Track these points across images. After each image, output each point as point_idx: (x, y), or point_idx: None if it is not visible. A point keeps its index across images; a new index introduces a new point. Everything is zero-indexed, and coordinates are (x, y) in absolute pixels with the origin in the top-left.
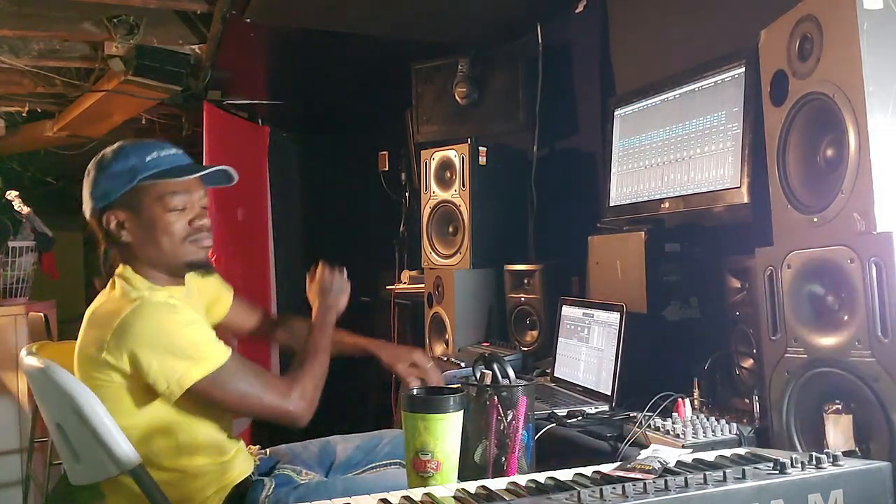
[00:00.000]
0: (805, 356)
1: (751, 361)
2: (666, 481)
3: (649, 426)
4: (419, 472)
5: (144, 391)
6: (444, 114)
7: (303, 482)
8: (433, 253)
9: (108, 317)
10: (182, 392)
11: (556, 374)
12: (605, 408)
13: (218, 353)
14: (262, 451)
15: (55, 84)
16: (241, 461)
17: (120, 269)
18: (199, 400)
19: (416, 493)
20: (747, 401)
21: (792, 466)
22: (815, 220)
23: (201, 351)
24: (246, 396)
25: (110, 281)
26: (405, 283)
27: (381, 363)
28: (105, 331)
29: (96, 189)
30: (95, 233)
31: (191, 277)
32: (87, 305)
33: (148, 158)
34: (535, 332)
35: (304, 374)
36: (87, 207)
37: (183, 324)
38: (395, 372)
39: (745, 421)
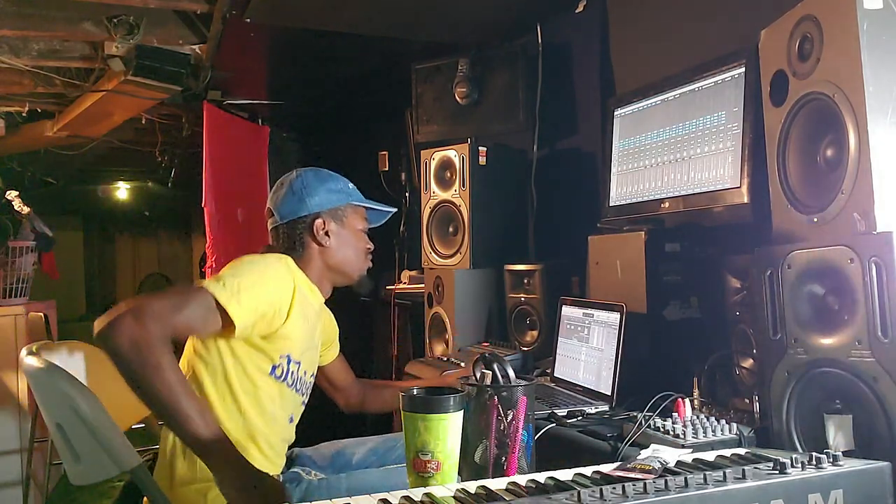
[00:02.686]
0: (805, 356)
1: (751, 361)
2: (666, 481)
3: (649, 426)
4: (419, 472)
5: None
6: (444, 114)
7: (309, 479)
8: (433, 253)
9: None
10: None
11: (556, 374)
12: (605, 408)
13: (223, 289)
14: None
15: (55, 84)
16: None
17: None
18: None
19: (416, 493)
20: (747, 401)
21: (792, 466)
22: (815, 220)
23: (230, 281)
24: (167, 305)
25: None
26: (405, 283)
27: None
28: None
29: (314, 197)
30: (285, 231)
31: (328, 314)
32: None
33: (350, 185)
34: (535, 332)
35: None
36: (290, 210)
37: (264, 266)
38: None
39: (745, 421)
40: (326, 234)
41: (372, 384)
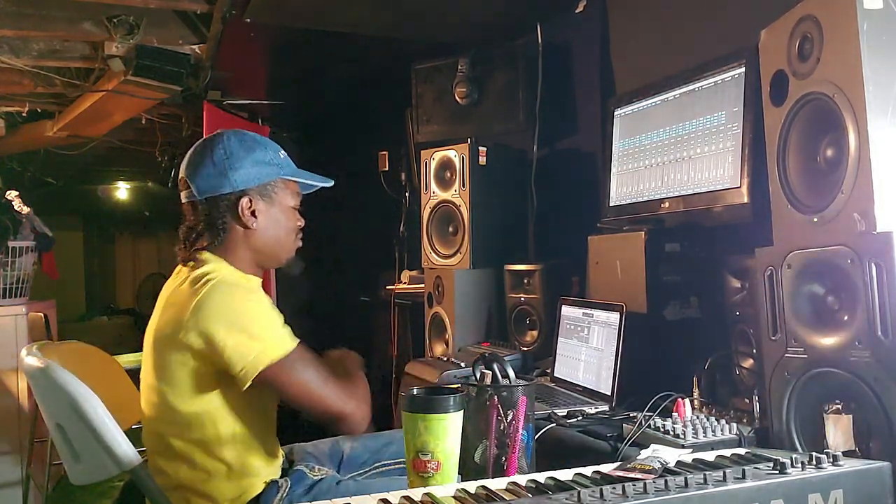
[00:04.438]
0: (805, 356)
1: (751, 361)
2: (666, 481)
3: (649, 426)
4: (419, 472)
5: (213, 376)
6: (444, 114)
7: (316, 478)
8: (433, 253)
9: (185, 298)
10: (255, 375)
11: (556, 374)
12: (605, 408)
13: (288, 340)
14: None
15: (55, 84)
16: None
17: (204, 254)
18: (266, 386)
19: (416, 493)
20: (747, 401)
21: (792, 466)
22: (815, 220)
23: (274, 334)
24: (309, 388)
25: (188, 263)
26: (405, 283)
27: None
28: (183, 311)
29: (238, 171)
30: (204, 209)
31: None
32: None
33: (281, 155)
34: (535, 332)
35: (360, 380)
36: (211, 185)
37: (257, 304)
38: None
39: (745, 421)
40: (253, 213)
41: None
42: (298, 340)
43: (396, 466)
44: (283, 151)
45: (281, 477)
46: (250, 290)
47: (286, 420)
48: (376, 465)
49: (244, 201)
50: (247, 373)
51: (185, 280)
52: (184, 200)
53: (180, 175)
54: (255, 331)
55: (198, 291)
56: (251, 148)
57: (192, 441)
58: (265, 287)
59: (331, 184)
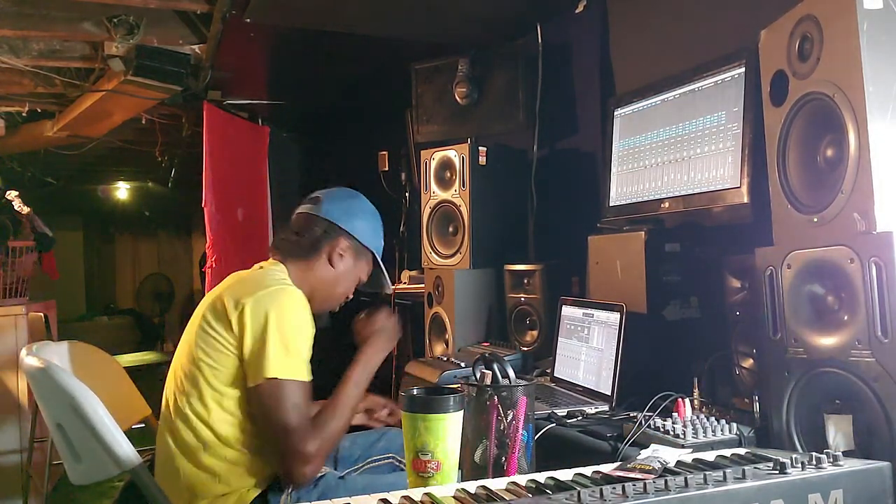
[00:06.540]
0: (805, 356)
1: (751, 361)
2: (666, 481)
3: (649, 426)
4: (419, 472)
5: (238, 364)
6: (444, 114)
7: (319, 474)
8: (433, 253)
9: (253, 284)
10: (262, 377)
11: (556, 374)
12: (605, 408)
13: (303, 371)
14: None
15: (55, 84)
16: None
17: (285, 267)
18: (257, 395)
19: (416, 493)
20: (747, 401)
21: (792, 466)
22: (815, 220)
23: (299, 360)
24: (280, 422)
25: (268, 261)
26: (405, 283)
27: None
28: (246, 293)
29: (361, 222)
30: (318, 226)
31: None
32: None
33: (381, 241)
34: (535, 332)
35: (331, 425)
36: (337, 215)
37: (306, 325)
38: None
39: (745, 421)
40: (340, 256)
41: None
42: (308, 378)
43: (385, 462)
44: (382, 240)
45: None
46: (307, 308)
47: None
48: (367, 461)
49: (344, 242)
50: (256, 370)
51: (260, 272)
52: (303, 211)
53: (316, 193)
54: (290, 345)
55: (267, 285)
56: (376, 222)
57: (208, 423)
58: None
59: (388, 290)
